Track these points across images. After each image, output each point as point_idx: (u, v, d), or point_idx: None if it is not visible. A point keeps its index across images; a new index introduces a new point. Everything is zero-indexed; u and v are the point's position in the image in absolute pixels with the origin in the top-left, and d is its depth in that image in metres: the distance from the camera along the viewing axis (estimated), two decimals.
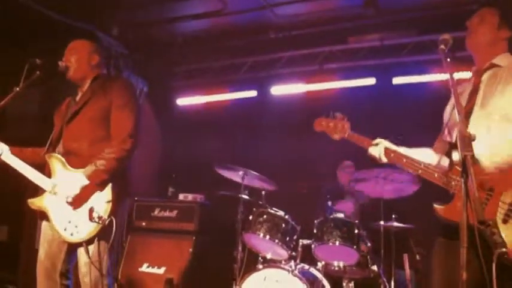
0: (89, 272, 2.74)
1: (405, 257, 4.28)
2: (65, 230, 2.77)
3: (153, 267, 4.87)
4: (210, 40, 5.86)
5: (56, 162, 2.86)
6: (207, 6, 5.28)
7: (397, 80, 5.63)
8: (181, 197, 5.32)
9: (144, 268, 4.90)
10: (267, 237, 4.01)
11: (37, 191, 3.01)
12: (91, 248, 2.75)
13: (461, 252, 1.72)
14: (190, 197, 5.28)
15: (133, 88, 3.08)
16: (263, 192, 4.48)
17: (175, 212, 5.15)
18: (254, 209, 4.26)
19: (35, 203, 2.87)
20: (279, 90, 6.02)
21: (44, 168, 2.92)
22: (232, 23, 5.54)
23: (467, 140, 1.83)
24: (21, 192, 5.55)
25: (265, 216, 4.13)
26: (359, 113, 5.36)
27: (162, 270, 4.83)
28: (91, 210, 2.65)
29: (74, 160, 2.83)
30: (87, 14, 5.23)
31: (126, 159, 2.82)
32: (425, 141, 2.47)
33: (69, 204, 2.72)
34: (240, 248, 4.29)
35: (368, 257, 4.04)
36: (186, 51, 6.13)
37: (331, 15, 5.22)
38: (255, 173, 4.22)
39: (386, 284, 3.79)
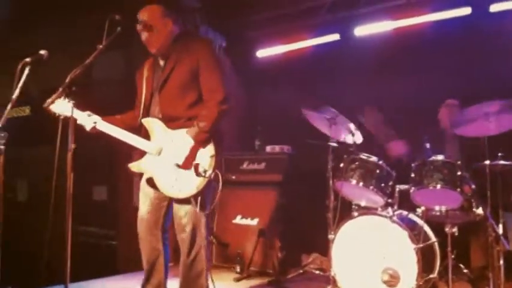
0: (190, 222, 2.89)
1: None
2: (172, 187, 2.85)
3: (246, 218, 4.93)
4: None
5: (155, 126, 2.94)
6: None
7: (495, 8, 5.03)
8: (268, 149, 5.28)
9: (238, 220, 4.97)
10: (361, 184, 3.86)
11: (131, 153, 3.14)
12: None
13: None
14: (277, 148, 5.23)
15: (214, 45, 3.05)
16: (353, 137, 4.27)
17: (263, 164, 5.15)
18: (345, 156, 4.09)
19: (135, 167, 2.98)
20: (363, 30, 5.62)
21: (138, 133, 3.00)
22: None
23: None
24: (115, 155, 5.84)
25: (357, 163, 3.96)
26: (452, 47, 4.97)
27: (255, 222, 4.88)
28: (197, 166, 2.76)
29: (173, 124, 2.91)
30: None
31: (223, 118, 2.92)
32: None
33: (180, 166, 2.81)
34: (332, 197, 4.17)
35: (472, 200, 3.77)
36: None
37: None
38: (343, 116, 3.99)
39: (495, 226, 3.50)
